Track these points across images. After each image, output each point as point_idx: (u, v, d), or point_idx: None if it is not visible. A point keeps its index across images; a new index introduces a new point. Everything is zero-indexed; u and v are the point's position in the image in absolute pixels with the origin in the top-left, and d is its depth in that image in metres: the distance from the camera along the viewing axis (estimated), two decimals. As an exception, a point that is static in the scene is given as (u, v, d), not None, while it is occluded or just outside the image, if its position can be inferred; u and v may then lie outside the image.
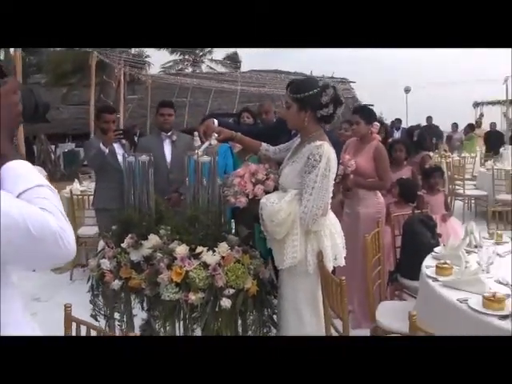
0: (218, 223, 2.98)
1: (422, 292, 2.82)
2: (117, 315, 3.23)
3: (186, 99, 21.09)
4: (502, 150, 12.31)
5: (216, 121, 3.17)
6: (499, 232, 3.53)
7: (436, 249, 3.26)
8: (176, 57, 33.85)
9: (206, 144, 2.96)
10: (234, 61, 35.48)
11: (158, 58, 32.44)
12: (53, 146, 17.38)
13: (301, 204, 2.69)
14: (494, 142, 14.45)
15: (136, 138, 17.45)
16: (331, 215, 2.95)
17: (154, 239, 3.04)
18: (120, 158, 4.70)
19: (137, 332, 3.15)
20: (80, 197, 6.19)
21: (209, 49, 34.22)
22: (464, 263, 2.76)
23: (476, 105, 26.03)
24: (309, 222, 2.70)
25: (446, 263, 2.76)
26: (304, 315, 2.85)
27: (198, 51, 34.12)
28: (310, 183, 2.66)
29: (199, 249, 2.82)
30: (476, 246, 3.22)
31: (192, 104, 21.22)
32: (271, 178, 2.86)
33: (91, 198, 5.52)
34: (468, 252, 3.10)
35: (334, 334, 2.69)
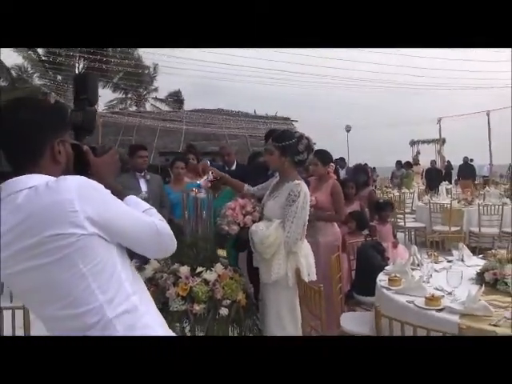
0: (213, 248, 3.62)
1: (379, 299, 3.52)
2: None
3: (131, 137, 21.24)
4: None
5: (209, 162, 3.86)
6: (436, 253, 4.32)
7: (387, 267, 4.00)
8: (119, 95, 33.90)
9: (206, 177, 3.62)
10: (176, 99, 36.05)
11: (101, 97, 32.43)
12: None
13: (284, 230, 3.38)
14: (434, 178, 15.69)
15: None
16: (305, 240, 3.65)
17: (154, 263, 3.64)
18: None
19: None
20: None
21: (153, 87, 34.64)
22: (410, 276, 3.50)
23: (412, 143, 27.82)
24: (291, 245, 3.41)
25: (396, 276, 3.50)
26: (285, 321, 3.51)
27: (141, 90, 34.42)
28: (291, 214, 3.36)
29: (199, 268, 3.44)
30: (418, 265, 3.98)
31: (138, 142, 21.34)
32: (257, 209, 3.55)
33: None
34: (412, 269, 3.84)
35: (313, 333, 3.36)
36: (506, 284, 3.27)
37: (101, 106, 28.34)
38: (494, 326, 2.65)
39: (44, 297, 1.57)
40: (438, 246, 5.49)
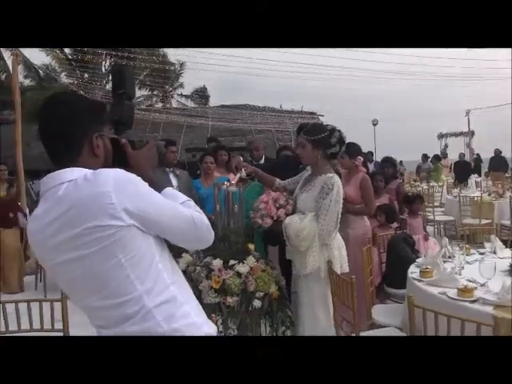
0: (245, 241, 3.67)
1: (410, 291, 3.53)
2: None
3: (158, 134, 21.33)
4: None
5: (241, 158, 3.91)
6: (467, 246, 4.30)
7: (418, 259, 4.02)
8: (145, 92, 33.99)
9: (238, 175, 3.67)
10: (202, 95, 36.16)
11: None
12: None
13: (318, 223, 3.41)
14: (462, 171, 15.53)
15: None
16: (337, 232, 3.67)
17: (186, 257, 3.71)
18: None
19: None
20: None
21: (178, 83, 34.79)
22: (442, 267, 3.51)
23: (440, 136, 27.63)
24: (325, 237, 3.44)
25: (427, 268, 3.51)
26: (318, 312, 3.56)
27: (167, 86, 34.55)
28: (325, 206, 3.40)
29: (232, 261, 3.50)
30: (449, 257, 3.97)
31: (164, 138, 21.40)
32: (290, 202, 3.59)
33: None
34: (444, 261, 3.84)
35: (345, 324, 3.40)
36: (541, 277, 3.25)
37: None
38: (530, 316, 2.64)
39: (85, 287, 1.63)
40: (469, 239, 5.46)
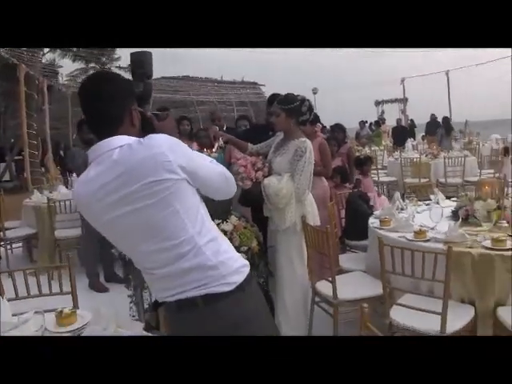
0: (226, 202, 4.10)
1: (372, 238, 4.10)
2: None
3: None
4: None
5: (217, 128, 4.33)
6: (416, 198, 4.93)
7: (376, 212, 4.61)
8: (82, 65, 33.12)
9: (217, 144, 4.08)
10: (139, 68, 35.52)
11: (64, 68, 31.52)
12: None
13: (294, 182, 3.87)
14: (400, 135, 16.53)
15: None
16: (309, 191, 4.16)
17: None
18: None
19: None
20: (51, 204, 6.75)
21: (116, 56, 34.05)
22: (398, 217, 4.09)
23: (377, 103, 28.68)
24: (300, 195, 3.91)
25: (386, 218, 4.08)
26: (295, 262, 4.04)
27: (104, 59, 33.77)
28: (300, 167, 3.85)
29: (216, 221, 3.91)
30: (402, 208, 4.57)
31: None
32: (266, 165, 4.02)
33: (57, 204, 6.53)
34: (398, 212, 4.43)
35: (317, 270, 3.93)
36: (476, 218, 3.92)
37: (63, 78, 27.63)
38: (470, 248, 3.33)
39: (143, 234, 1.87)
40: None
